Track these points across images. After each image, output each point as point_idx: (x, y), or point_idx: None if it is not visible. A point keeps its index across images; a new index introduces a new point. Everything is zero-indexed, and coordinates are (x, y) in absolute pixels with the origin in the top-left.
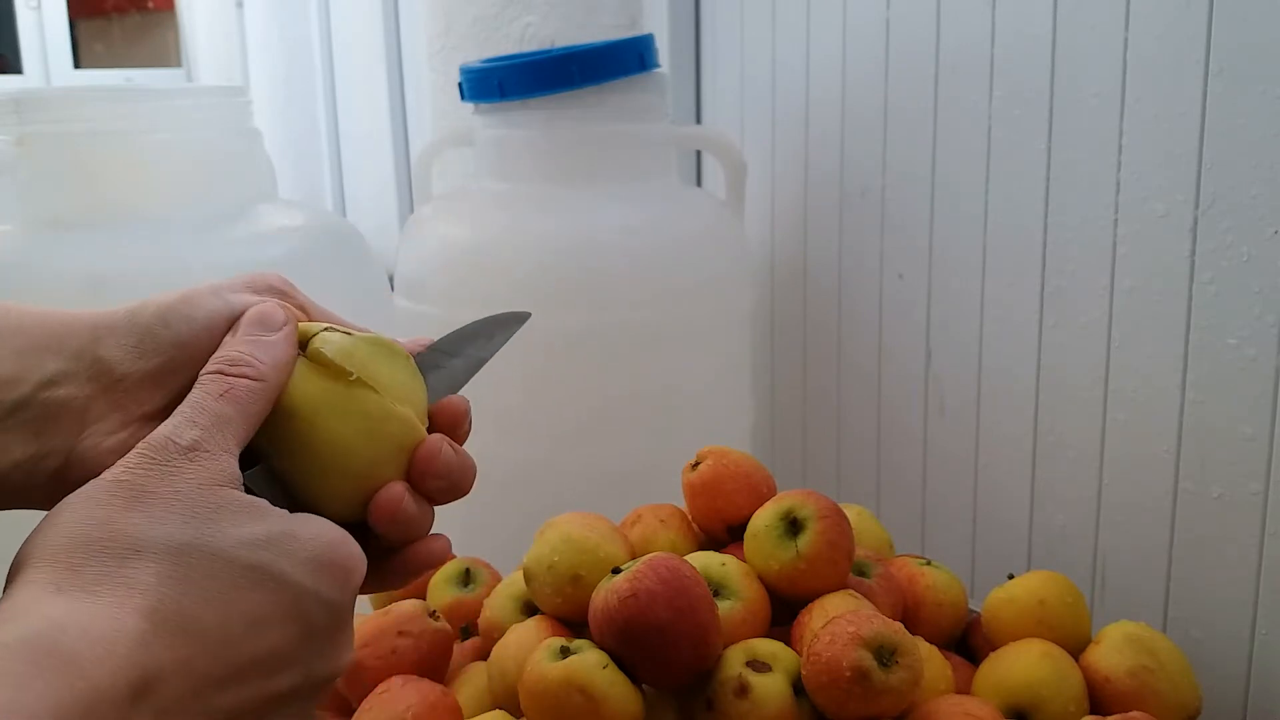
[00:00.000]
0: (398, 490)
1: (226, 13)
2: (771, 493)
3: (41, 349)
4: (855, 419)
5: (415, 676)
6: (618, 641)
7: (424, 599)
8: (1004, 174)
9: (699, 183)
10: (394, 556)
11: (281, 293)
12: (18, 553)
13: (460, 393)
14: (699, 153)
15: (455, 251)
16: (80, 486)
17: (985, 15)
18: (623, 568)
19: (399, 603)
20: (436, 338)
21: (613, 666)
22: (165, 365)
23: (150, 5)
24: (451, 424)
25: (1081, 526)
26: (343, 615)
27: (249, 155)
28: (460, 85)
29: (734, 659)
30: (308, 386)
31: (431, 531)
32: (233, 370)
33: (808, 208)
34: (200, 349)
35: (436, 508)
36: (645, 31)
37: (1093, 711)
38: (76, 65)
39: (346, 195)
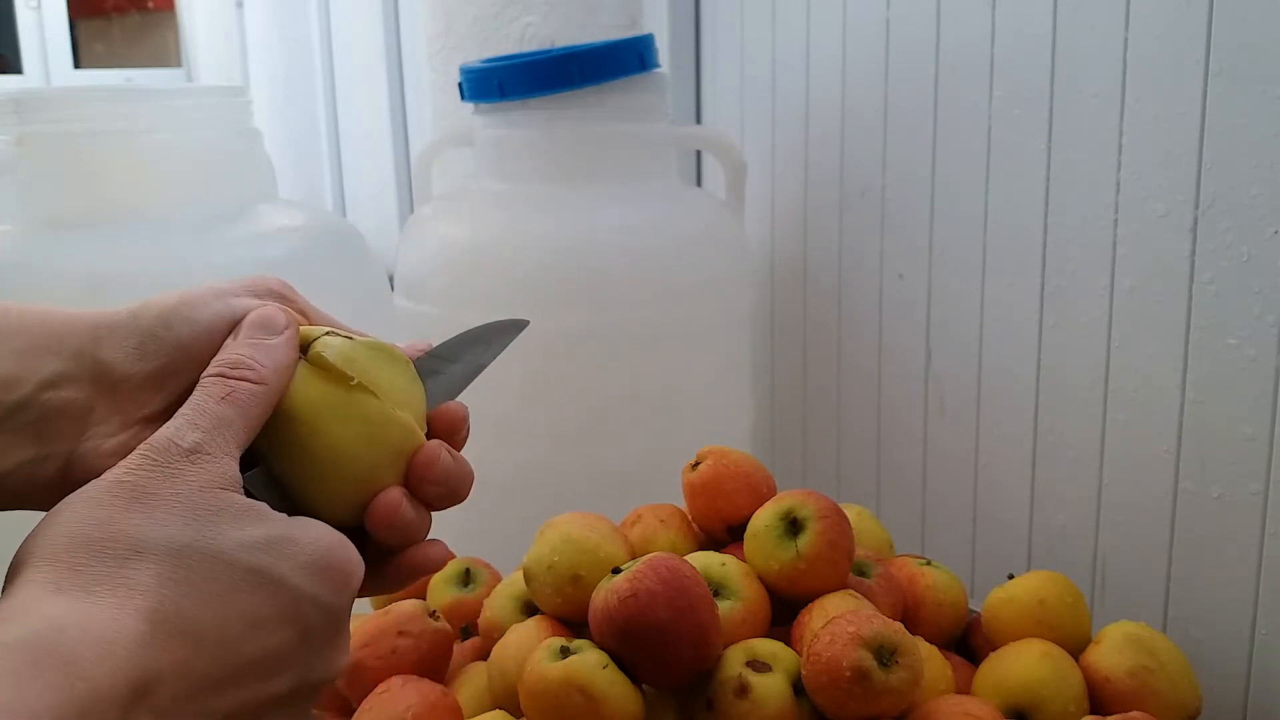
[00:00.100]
0: (395, 495)
1: (226, 13)
2: (771, 493)
3: (42, 350)
4: (855, 419)
5: (415, 676)
6: (618, 641)
7: (424, 599)
8: (1004, 174)
9: (699, 183)
10: (391, 560)
11: (282, 296)
12: (17, 552)
13: (459, 397)
14: (699, 153)
15: (455, 251)
16: (81, 488)
17: (985, 15)
18: (623, 568)
19: (399, 603)
20: (434, 342)
21: (613, 666)
22: (166, 367)
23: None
24: (450, 430)
25: (1081, 526)
26: (340, 618)
27: (249, 155)
28: (460, 85)
29: (734, 659)
30: (308, 390)
31: (430, 535)
32: (234, 373)
33: (808, 208)
34: (201, 352)
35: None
36: (645, 31)
37: (1093, 711)
38: (76, 65)
39: (346, 195)
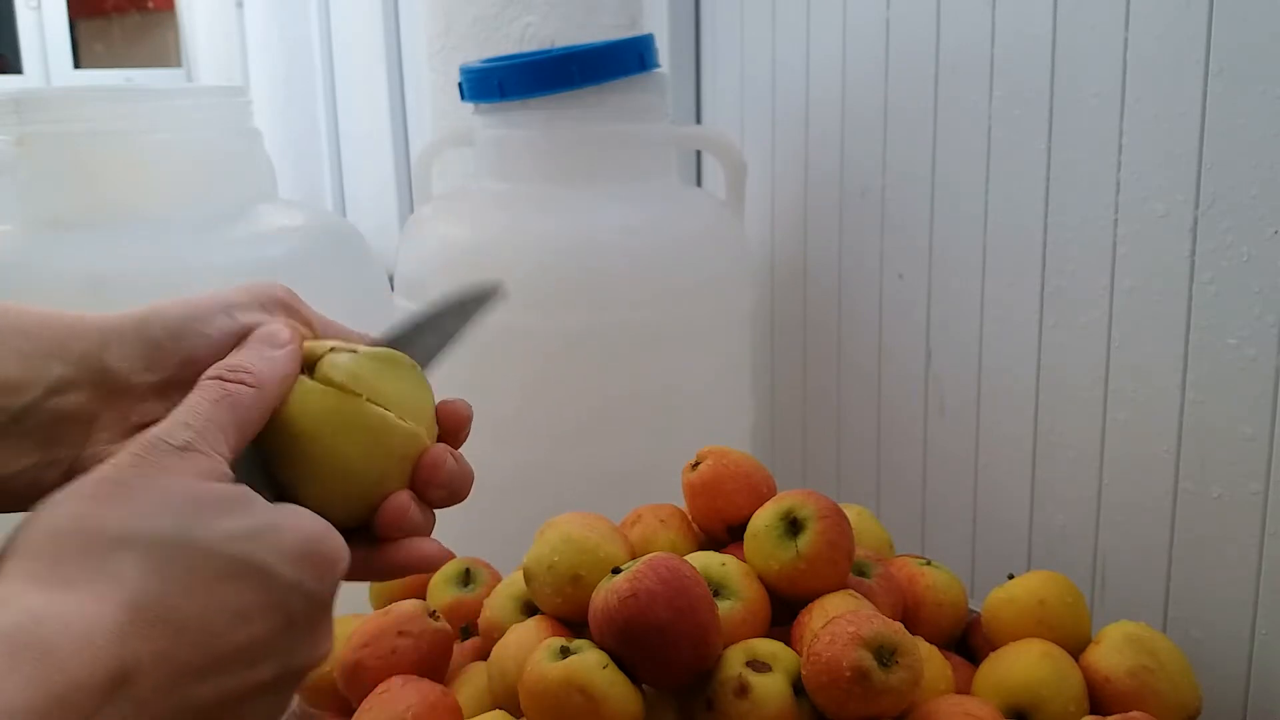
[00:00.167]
0: (404, 499)
1: (226, 13)
2: (771, 493)
3: (48, 354)
4: (855, 419)
5: (415, 676)
6: (618, 641)
7: (424, 599)
8: (1004, 174)
9: (699, 183)
10: (387, 550)
11: (288, 306)
12: (2, 547)
13: (467, 404)
14: (699, 153)
15: (455, 251)
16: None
17: (985, 15)
18: (623, 568)
19: (399, 603)
20: (376, 334)
21: (613, 666)
22: (172, 379)
23: (150, 5)
24: (454, 429)
25: (1081, 526)
26: (324, 606)
27: (249, 155)
28: (460, 85)
29: (734, 659)
30: (317, 408)
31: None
32: (231, 376)
33: (808, 208)
34: (208, 364)
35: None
36: (645, 31)
37: (1093, 711)
38: (76, 65)
39: (346, 195)
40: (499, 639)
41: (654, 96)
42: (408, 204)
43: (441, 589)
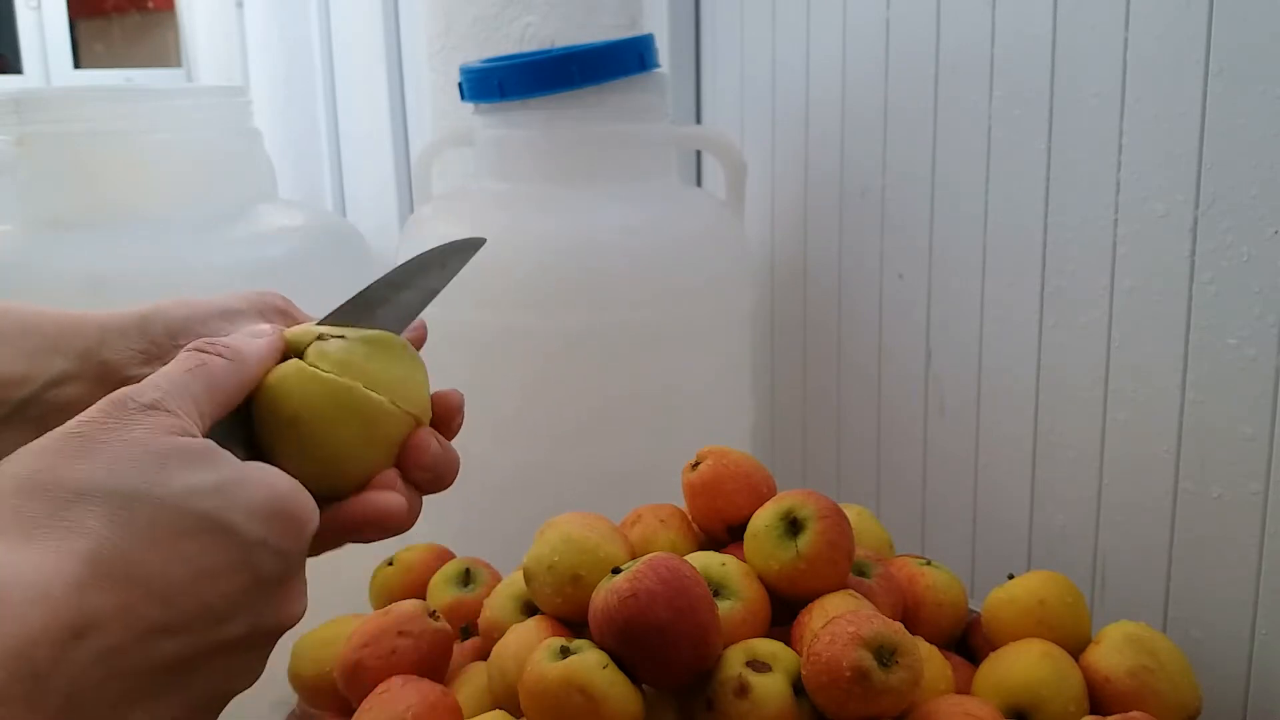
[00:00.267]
0: (391, 478)
1: (226, 13)
2: (771, 493)
3: (49, 349)
4: (855, 419)
5: (415, 676)
6: (618, 641)
7: (424, 599)
8: (1004, 174)
9: (699, 183)
10: (343, 507)
11: (286, 314)
12: None
13: (460, 394)
14: (699, 153)
15: None
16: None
17: (985, 15)
18: (623, 568)
19: (399, 603)
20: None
21: (613, 666)
22: None
23: (150, 5)
24: (446, 417)
25: (1081, 526)
26: (293, 565)
27: (249, 155)
28: (460, 85)
29: (734, 659)
30: (307, 393)
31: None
32: (209, 349)
33: (808, 208)
34: None
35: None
36: (645, 31)
37: (1093, 711)
38: (76, 65)
39: (346, 195)
40: (499, 639)
41: (654, 96)
42: (408, 204)
43: (441, 589)
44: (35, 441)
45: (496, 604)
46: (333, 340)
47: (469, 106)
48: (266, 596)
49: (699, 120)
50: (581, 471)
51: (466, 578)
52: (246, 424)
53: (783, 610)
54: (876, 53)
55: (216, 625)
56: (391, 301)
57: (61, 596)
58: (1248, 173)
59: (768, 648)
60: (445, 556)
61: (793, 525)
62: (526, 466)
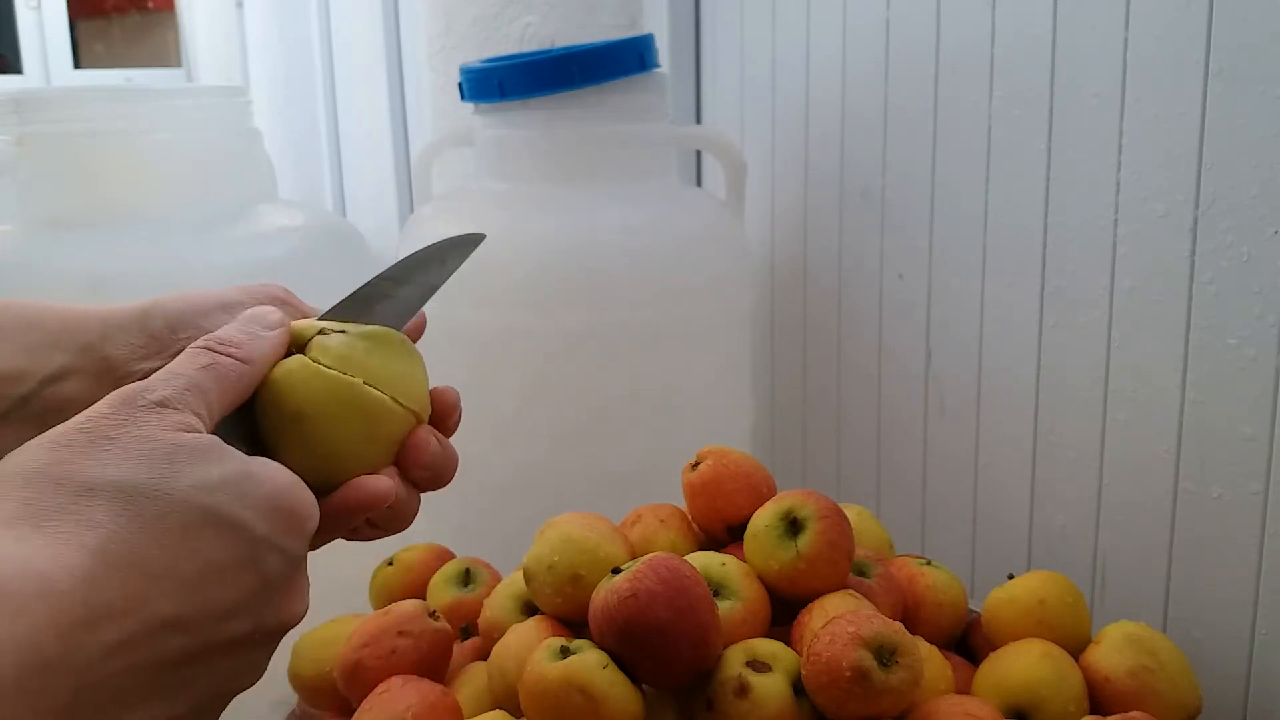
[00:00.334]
0: (389, 479)
1: (226, 13)
2: (771, 493)
3: (50, 345)
4: (855, 419)
5: (415, 676)
6: (618, 641)
7: (424, 599)
8: (1004, 174)
9: (699, 183)
10: (333, 497)
11: (285, 304)
12: None
13: (456, 391)
14: (699, 153)
15: None
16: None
17: (985, 15)
18: (623, 568)
19: (399, 603)
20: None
21: (613, 666)
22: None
23: (150, 5)
24: (444, 414)
25: (1081, 526)
26: (297, 563)
27: (249, 155)
28: (460, 85)
29: (734, 659)
30: (308, 389)
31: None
32: (220, 348)
33: (808, 208)
34: None
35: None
36: (645, 31)
37: (1093, 711)
38: (76, 65)
39: (346, 195)
40: (499, 639)
41: (654, 96)
42: (408, 204)
43: (441, 589)
44: (43, 435)
45: (496, 604)
46: (334, 335)
47: (469, 106)
48: (270, 594)
49: (699, 120)
50: (581, 471)
51: (466, 578)
52: (249, 418)
53: (783, 610)
54: (876, 53)
55: (222, 622)
56: (391, 297)
57: (69, 590)
58: (1248, 173)
59: (768, 648)
60: (445, 556)
61: (793, 525)
62: (526, 466)
